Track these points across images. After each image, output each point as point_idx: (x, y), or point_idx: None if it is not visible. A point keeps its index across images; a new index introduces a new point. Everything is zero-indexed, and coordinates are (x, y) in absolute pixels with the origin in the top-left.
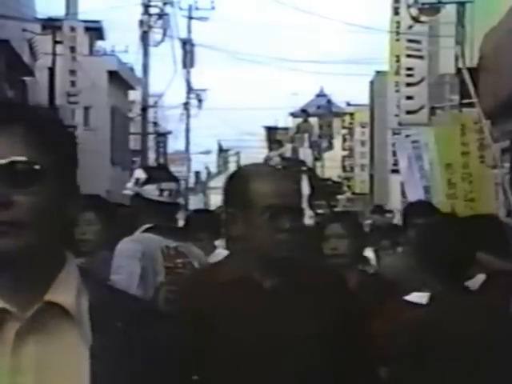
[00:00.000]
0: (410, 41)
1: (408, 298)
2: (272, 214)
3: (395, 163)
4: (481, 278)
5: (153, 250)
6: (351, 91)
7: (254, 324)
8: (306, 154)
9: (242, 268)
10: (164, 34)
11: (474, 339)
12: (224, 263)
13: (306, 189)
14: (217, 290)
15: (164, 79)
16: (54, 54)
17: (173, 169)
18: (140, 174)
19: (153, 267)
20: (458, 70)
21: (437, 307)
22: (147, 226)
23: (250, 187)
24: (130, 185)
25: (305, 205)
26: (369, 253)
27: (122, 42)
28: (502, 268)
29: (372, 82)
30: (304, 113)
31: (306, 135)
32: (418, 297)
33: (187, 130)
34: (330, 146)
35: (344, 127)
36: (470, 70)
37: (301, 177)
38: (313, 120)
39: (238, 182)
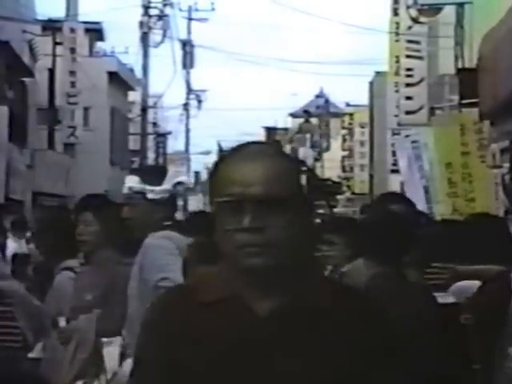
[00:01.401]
0: (410, 41)
1: None
2: (228, 208)
3: (395, 163)
4: (474, 284)
5: (181, 247)
6: (351, 92)
7: (244, 367)
8: (307, 154)
9: (228, 284)
10: (164, 35)
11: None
12: (208, 277)
13: (304, 189)
14: (198, 312)
15: (164, 80)
16: (54, 55)
17: (173, 169)
18: (174, 173)
19: None
20: (458, 71)
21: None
22: (167, 223)
23: (215, 173)
24: (166, 185)
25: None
26: None
27: (121, 43)
28: (496, 273)
29: (371, 83)
30: (306, 113)
31: (308, 135)
32: None
33: (187, 131)
34: (328, 147)
35: (343, 127)
36: (469, 70)
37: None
38: (313, 120)
39: (213, 167)
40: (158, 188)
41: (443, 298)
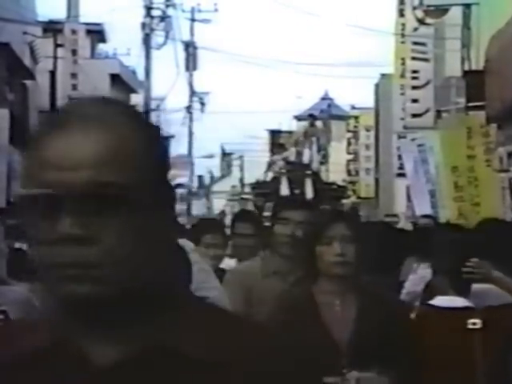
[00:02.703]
0: (416, 43)
1: (433, 302)
2: (39, 206)
3: (401, 167)
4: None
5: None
6: (356, 94)
7: None
8: (313, 158)
9: (57, 323)
10: (166, 37)
11: None
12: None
13: (309, 193)
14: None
15: (166, 82)
16: (55, 57)
17: (175, 173)
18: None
19: None
20: (464, 73)
21: None
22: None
23: (28, 150)
24: None
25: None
26: None
27: (123, 44)
28: None
29: (377, 85)
30: (311, 117)
31: (314, 139)
32: (444, 300)
33: (190, 134)
34: (327, 155)
35: (349, 131)
36: (476, 72)
37: (305, 180)
38: (318, 123)
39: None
40: None
41: (450, 301)
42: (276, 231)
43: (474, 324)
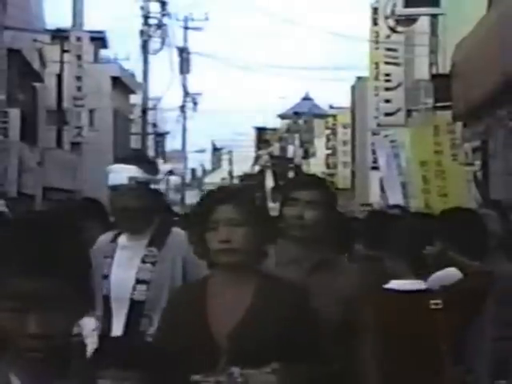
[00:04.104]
0: (388, 49)
1: (388, 286)
2: None
3: (375, 161)
4: (452, 274)
5: None
6: (334, 95)
7: None
8: (296, 152)
9: None
10: (162, 43)
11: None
12: None
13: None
14: None
15: (162, 84)
16: (62, 62)
17: (171, 166)
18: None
19: None
20: (432, 76)
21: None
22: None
23: None
24: (161, 175)
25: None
26: None
27: (124, 50)
28: (477, 270)
29: (353, 87)
30: (296, 114)
31: (297, 135)
32: (403, 284)
33: (184, 131)
34: (314, 152)
35: (327, 128)
36: (442, 76)
37: (288, 172)
38: (300, 121)
39: None
40: (158, 178)
41: (412, 284)
42: (284, 213)
43: (437, 305)
